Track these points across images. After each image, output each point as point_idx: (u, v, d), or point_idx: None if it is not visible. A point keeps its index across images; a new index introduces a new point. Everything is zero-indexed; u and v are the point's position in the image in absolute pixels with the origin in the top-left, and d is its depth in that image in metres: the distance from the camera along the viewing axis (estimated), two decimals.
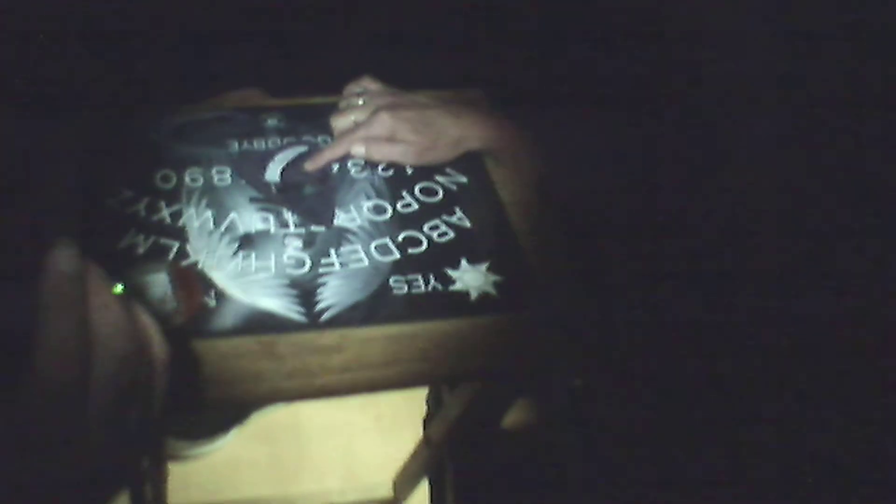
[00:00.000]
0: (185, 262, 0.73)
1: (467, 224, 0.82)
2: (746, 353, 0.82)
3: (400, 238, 0.79)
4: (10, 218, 0.70)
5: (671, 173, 0.88)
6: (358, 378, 0.68)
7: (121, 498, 0.96)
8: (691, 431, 0.86)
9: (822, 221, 0.79)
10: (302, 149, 0.88)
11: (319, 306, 0.71)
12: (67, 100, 0.84)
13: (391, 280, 0.74)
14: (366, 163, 0.87)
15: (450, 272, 0.76)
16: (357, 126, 0.87)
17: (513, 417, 0.96)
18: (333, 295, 0.72)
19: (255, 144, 0.88)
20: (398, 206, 0.83)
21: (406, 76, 0.92)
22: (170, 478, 1.08)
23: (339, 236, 0.78)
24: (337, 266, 0.75)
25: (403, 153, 0.86)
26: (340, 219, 0.80)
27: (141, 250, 0.74)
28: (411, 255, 0.77)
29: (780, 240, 0.82)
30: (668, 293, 0.85)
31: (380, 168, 0.87)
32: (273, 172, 0.85)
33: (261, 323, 0.69)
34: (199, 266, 0.73)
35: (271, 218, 0.79)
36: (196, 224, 0.77)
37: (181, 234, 0.76)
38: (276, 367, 0.67)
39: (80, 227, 0.74)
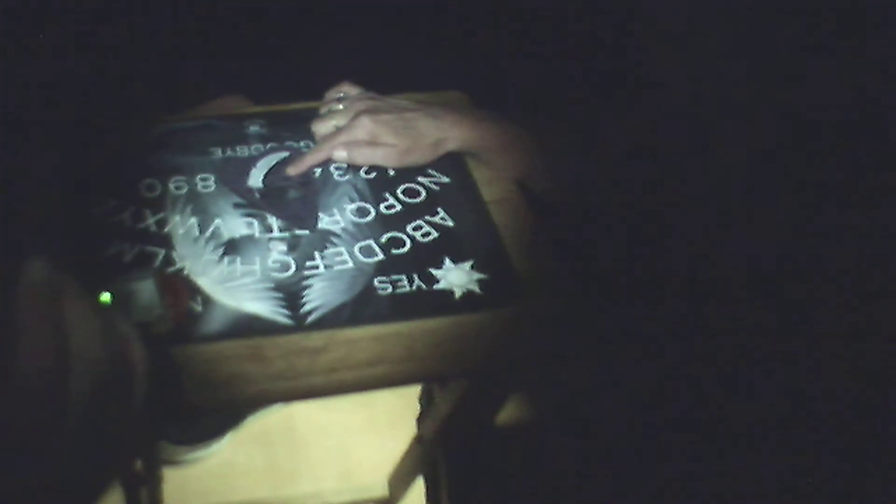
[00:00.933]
0: (171, 269, 0.74)
1: (450, 224, 0.83)
2: (736, 351, 0.83)
3: (383, 239, 0.80)
4: None
5: (653, 171, 0.89)
6: (345, 378, 0.69)
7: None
8: (680, 427, 0.86)
9: (811, 219, 0.80)
10: (284, 154, 0.89)
11: (305, 308, 0.72)
12: (49, 111, 0.85)
13: (376, 281, 0.75)
14: (348, 166, 0.88)
15: (434, 272, 0.77)
16: (338, 131, 0.88)
17: (505, 414, 0.96)
18: (319, 297, 0.73)
19: (238, 151, 0.88)
20: (381, 207, 0.84)
21: (386, 80, 0.93)
22: (166, 483, 1.09)
23: (323, 239, 0.79)
24: (321, 268, 0.76)
25: (385, 156, 0.87)
26: (324, 222, 0.81)
27: (127, 258, 0.74)
28: (395, 256, 0.78)
29: (768, 236, 0.83)
30: (653, 290, 0.86)
31: (362, 171, 0.88)
32: (256, 178, 0.86)
33: (247, 326, 0.70)
34: (185, 272, 0.74)
35: (255, 223, 0.80)
36: (181, 231, 0.78)
37: (166, 242, 0.77)
38: (263, 370, 0.68)
39: (64, 236, 0.75)
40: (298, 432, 1.45)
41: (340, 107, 0.91)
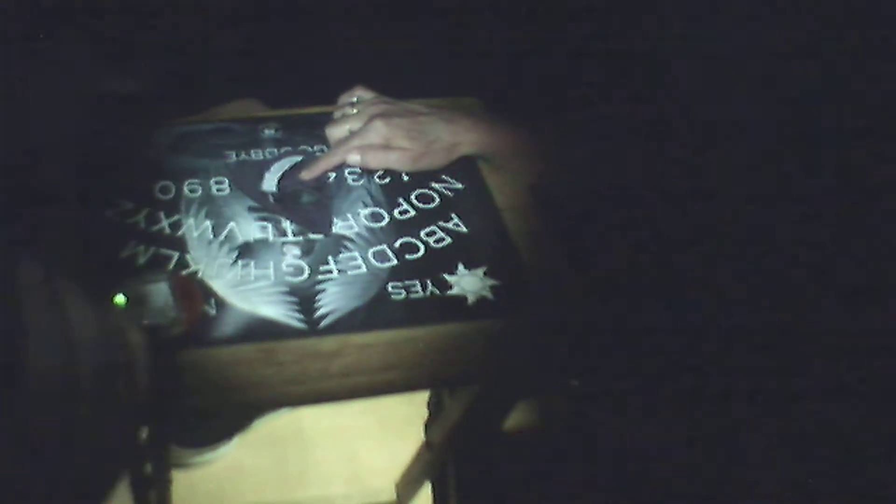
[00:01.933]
0: (184, 272, 0.74)
1: (464, 229, 0.83)
2: (743, 356, 0.83)
3: (397, 244, 0.80)
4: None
5: (667, 176, 0.88)
6: (358, 383, 0.68)
7: None
8: (689, 433, 0.86)
9: (818, 223, 0.80)
10: (298, 158, 0.89)
11: (319, 313, 0.72)
12: (66, 113, 0.85)
13: (389, 286, 0.75)
14: (362, 171, 0.88)
15: (447, 277, 0.77)
16: (352, 135, 0.88)
17: (513, 419, 0.96)
18: (332, 301, 0.73)
19: (253, 155, 0.89)
20: (395, 212, 0.84)
21: (399, 85, 0.93)
22: (174, 485, 1.09)
23: (337, 244, 0.79)
24: (335, 273, 0.76)
25: (399, 160, 0.87)
26: (338, 226, 0.81)
27: (141, 261, 0.75)
28: (409, 261, 0.78)
29: (777, 242, 0.82)
30: (664, 295, 0.86)
31: (376, 175, 0.88)
32: (270, 182, 0.86)
33: (261, 330, 0.70)
34: (199, 275, 0.74)
35: (269, 227, 0.80)
36: (195, 234, 0.78)
37: (181, 245, 0.77)
38: (276, 374, 0.68)
39: (79, 239, 0.75)
40: (307, 436, 1.45)
41: (354, 111, 0.91)
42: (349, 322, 0.71)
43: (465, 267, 0.78)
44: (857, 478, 0.77)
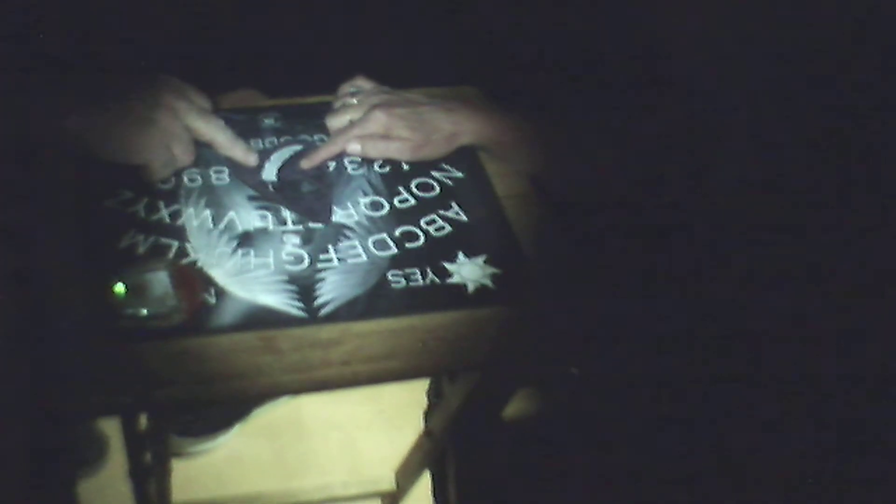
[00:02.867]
0: (184, 261, 0.74)
1: (464, 218, 0.83)
2: (741, 348, 0.83)
3: (397, 233, 0.80)
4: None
5: (667, 166, 0.88)
6: (358, 371, 0.69)
7: (125, 496, 0.97)
8: (688, 424, 0.87)
9: (818, 215, 0.80)
10: (298, 148, 0.89)
11: (318, 301, 0.72)
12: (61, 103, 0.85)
13: (389, 274, 0.75)
14: (362, 160, 0.88)
15: (447, 266, 0.77)
16: (352, 124, 0.88)
17: (513, 408, 0.96)
18: (332, 290, 0.73)
19: (252, 144, 0.88)
20: (395, 201, 0.84)
21: (400, 74, 0.93)
22: (173, 475, 1.09)
23: (337, 232, 0.79)
24: (335, 262, 0.76)
25: (399, 149, 0.87)
26: (338, 215, 0.81)
27: (141, 250, 0.74)
28: (409, 250, 0.78)
29: (777, 235, 0.83)
30: (664, 286, 0.86)
31: (376, 165, 0.88)
32: (270, 171, 0.86)
33: (261, 319, 0.70)
34: (199, 264, 0.74)
35: (269, 216, 0.80)
36: (195, 223, 0.78)
37: (180, 234, 0.77)
38: (276, 362, 0.68)
39: (79, 228, 0.75)
40: (306, 425, 1.45)
41: (354, 101, 0.91)
42: (349, 310, 0.72)
43: (465, 255, 0.78)
44: (857, 472, 0.77)
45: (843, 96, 0.78)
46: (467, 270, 0.77)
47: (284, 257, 0.76)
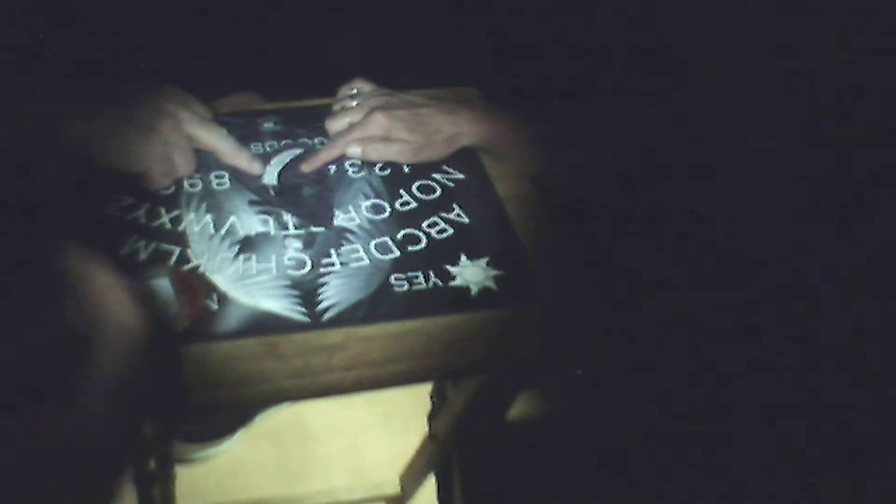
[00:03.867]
0: (186, 267, 0.74)
1: (466, 220, 0.82)
2: (744, 347, 0.83)
3: (399, 236, 0.80)
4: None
5: (667, 167, 0.88)
6: (362, 376, 0.68)
7: (129, 502, 0.97)
8: (692, 424, 0.86)
9: (818, 217, 0.80)
10: (298, 151, 0.89)
11: (321, 306, 0.72)
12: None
13: (392, 278, 0.75)
14: (363, 163, 0.88)
15: (450, 268, 0.77)
16: (352, 127, 0.88)
17: (517, 410, 0.96)
18: (335, 294, 0.73)
19: (252, 148, 0.88)
20: (396, 204, 0.83)
21: (399, 77, 0.93)
22: (177, 481, 1.09)
23: (339, 236, 0.79)
24: (337, 266, 0.76)
25: (399, 152, 0.87)
26: (339, 219, 0.81)
27: (142, 256, 0.74)
28: (411, 253, 0.78)
29: (778, 236, 0.82)
30: (666, 286, 0.86)
31: (377, 167, 0.88)
32: (271, 175, 0.85)
33: (263, 324, 0.70)
34: (201, 270, 0.74)
35: (271, 220, 0.80)
36: (196, 228, 0.78)
37: (182, 239, 0.76)
38: (279, 368, 0.67)
39: (79, 234, 0.74)
40: (310, 430, 1.45)
41: (354, 103, 0.91)
42: (352, 315, 0.71)
43: (468, 258, 0.78)
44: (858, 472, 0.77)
45: (844, 95, 0.78)
46: (470, 273, 0.76)
47: (286, 262, 0.76)
